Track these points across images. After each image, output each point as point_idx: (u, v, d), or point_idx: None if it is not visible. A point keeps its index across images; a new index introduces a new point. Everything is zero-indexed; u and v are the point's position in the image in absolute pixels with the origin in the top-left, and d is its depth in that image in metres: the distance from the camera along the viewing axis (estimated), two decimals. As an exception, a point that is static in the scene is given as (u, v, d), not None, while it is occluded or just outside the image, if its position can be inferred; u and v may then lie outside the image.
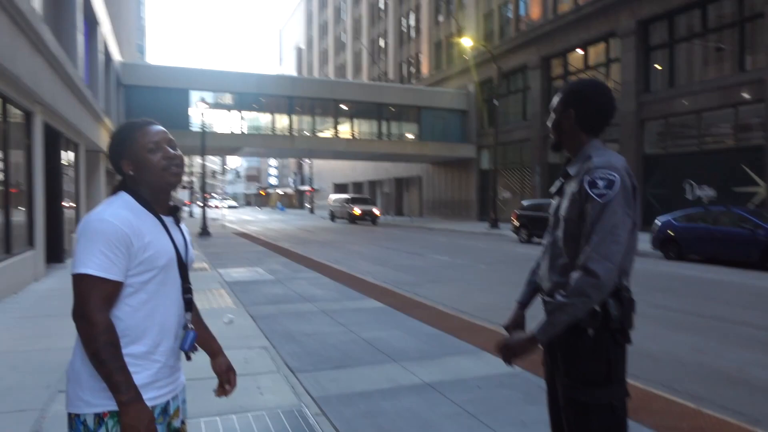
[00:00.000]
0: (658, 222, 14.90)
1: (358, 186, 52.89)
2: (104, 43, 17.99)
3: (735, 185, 18.76)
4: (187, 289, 1.60)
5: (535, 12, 28.23)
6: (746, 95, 18.32)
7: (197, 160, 79.44)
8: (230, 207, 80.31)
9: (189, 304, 1.60)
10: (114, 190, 1.54)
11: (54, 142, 10.70)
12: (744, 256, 12.40)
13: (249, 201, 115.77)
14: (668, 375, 4.77)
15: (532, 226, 19.03)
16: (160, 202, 1.57)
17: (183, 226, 1.69)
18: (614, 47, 23.89)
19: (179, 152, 1.58)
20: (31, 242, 8.89)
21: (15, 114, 8.29)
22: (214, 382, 1.82)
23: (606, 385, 1.85)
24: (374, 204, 35.92)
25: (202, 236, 20.03)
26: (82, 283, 1.38)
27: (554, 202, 2.09)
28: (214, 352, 1.83)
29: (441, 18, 38.03)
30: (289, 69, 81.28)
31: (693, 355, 5.40)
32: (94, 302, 1.38)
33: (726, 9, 19.64)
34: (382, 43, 48.32)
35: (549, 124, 2.09)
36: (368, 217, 32.81)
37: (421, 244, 18.42)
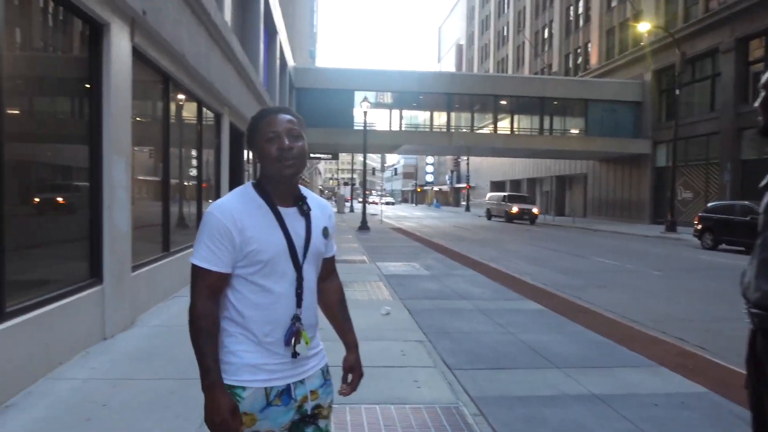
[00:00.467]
0: None
1: (516, 184, 51.42)
2: (280, 50, 19.70)
3: None
4: (299, 284, 1.57)
5: (730, -13, 24.83)
6: None
7: (359, 158, 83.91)
8: (387, 203, 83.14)
9: (299, 299, 1.57)
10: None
11: (237, 140, 11.95)
12: None
13: (405, 198, 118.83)
14: None
15: (719, 231, 16.80)
16: (281, 193, 1.57)
17: (317, 214, 1.64)
18: (835, 22, 20.07)
19: (299, 144, 1.54)
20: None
21: (208, 116, 9.41)
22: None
23: None
24: (533, 203, 34.60)
25: (362, 230, 20.99)
26: (192, 271, 1.50)
27: (766, 198, 1.75)
28: (347, 346, 1.80)
29: (614, 3, 35.25)
30: (448, 66, 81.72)
31: None
32: (198, 290, 1.48)
33: None
34: (546, 34, 46.29)
35: (757, 104, 1.74)
36: (526, 216, 31.69)
37: (585, 246, 17.29)
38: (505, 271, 10.64)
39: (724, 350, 5.52)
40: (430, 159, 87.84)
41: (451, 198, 79.86)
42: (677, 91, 24.28)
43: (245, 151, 12.97)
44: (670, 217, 23.29)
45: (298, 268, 1.56)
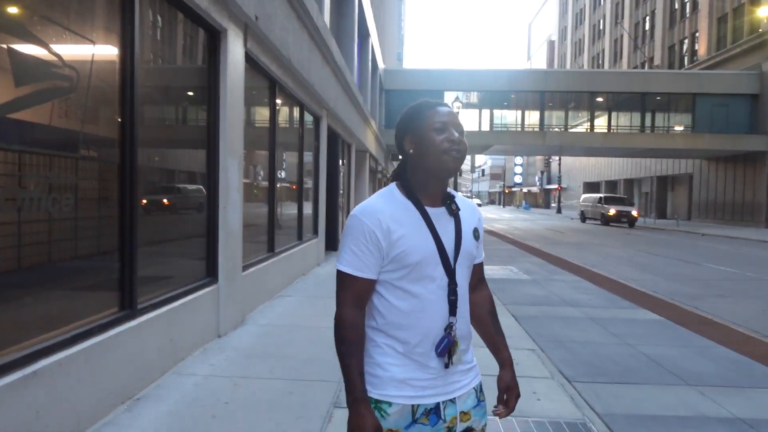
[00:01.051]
0: None
1: (611, 185, 48.81)
2: (372, 52, 19.90)
3: None
4: (452, 290, 1.44)
5: None
6: None
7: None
8: (479, 205, 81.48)
9: (453, 306, 1.43)
10: (393, 178, 1.54)
11: (333, 143, 12.15)
12: None
13: (493, 199, 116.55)
14: None
15: None
16: (431, 191, 1.46)
17: (466, 215, 1.53)
18: None
19: (464, 139, 1.47)
20: (315, 231, 10.23)
21: (308, 119, 9.61)
22: (487, 380, 1.66)
23: None
24: (632, 204, 32.59)
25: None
26: (338, 278, 1.45)
27: None
28: (501, 362, 1.63)
29: (726, -12, 32.50)
30: (539, 63, 79.28)
31: None
32: (343, 298, 1.43)
33: None
34: (647, 25, 43.57)
35: None
36: (624, 219, 29.90)
37: (694, 251, 15.98)
38: (610, 277, 10.01)
39: None
40: (519, 159, 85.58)
41: (541, 200, 77.29)
42: (803, 82, 21.90)
43: (340, 154, 13.16)
44: (794, 221, 21.06)
45: (450, 272, 1.44)
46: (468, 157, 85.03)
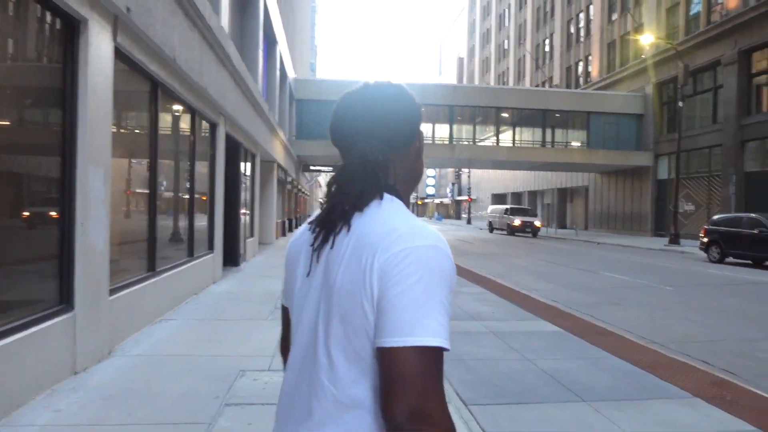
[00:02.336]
0: None
1: (517, 196, 51.06)
2: (280, 60, 19.36)
3: None
4: None
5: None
6: None
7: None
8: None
9: None
10: (371, 191, 0.98)
11: (234, 152, 11.52)
12: None
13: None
14: None
15: (726, 244, 16.37)
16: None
17: None
18: (841, 32, 19.82)
19: None
20: (211, 246, 9.55)
21: (203, 126, 8.97)
22: None
23: None
24: (535, 215, 34.16)
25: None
26: (429, 360, 0.84)
27: None
28: None
29: (615, 16, 35.15)
30: (450, 79, 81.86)
31: None
32: (441, 390, 0.85)
33: None
34: (547, 47, 46.25)
35: None
36: (529, 229, 31.25)
37: (591, 260, 16.81)
38: (514, 288, 10.15)
39: (758, 377, 5.06)
40: (431, 171, 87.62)
41: (453, 210, 79.47)
42: (680, 104, 23.99)
43: (242, 163, 12.52)
44: (674, 230, 22.88)
45: None
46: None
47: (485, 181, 58.01)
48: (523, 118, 32.26)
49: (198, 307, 7.26)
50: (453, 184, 73.85)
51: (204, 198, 9.29)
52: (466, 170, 59.06)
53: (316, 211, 1.05)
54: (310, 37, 48.15)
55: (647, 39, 26.20)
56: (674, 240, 22.52)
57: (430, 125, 31.74)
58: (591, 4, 38.05)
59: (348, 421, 0.90)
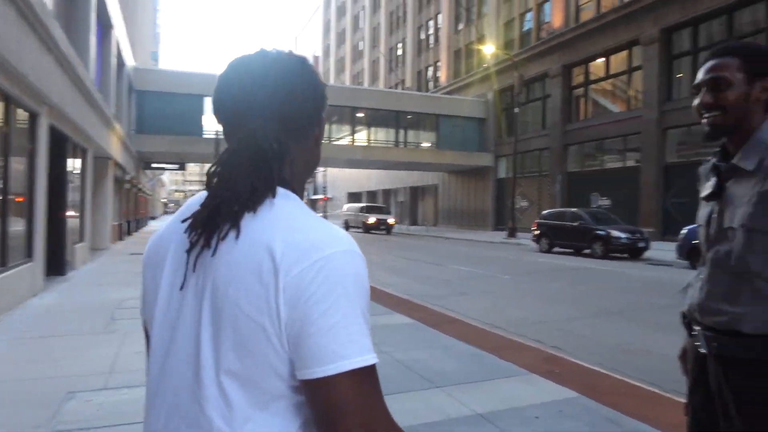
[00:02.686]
0: (684, 231, 14.29)
1: (372, 195, 52.52)
2: (117, 46, 17.78)
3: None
4: None
5: (557, 20, 27.80)
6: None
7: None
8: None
9: None
10: (265, 187, 0.80)
11: (60, 147, 10.34)
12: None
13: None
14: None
15: (553, 236, 18.49)
16: None
17: None
18: (636, 55, 23.36)
19: None
20: (29, 254, 8.38)
21: (20, 116, 7.91)
22: None
23: None
24: (389, 213, 35.46)
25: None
26: (366, 377, 0.74)
27: (706, 208, 1.61)
28: None
29: (461, 26, 37.73)
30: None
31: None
32: (383, 406, 0.77)
33: (751, 16, 19.07)
34: (400, 51, 48.16)
35: (710, 99, 1.52)
36: (383, 227, 32.36)
37: (440, 254, 17.92)
38: (370, 284, 10.46)
39: (579, 350, 5.82)
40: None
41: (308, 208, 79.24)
42: (516, 110, 26.53)
43: (71, 160, 11.28)
44: (511, 224, 25.26)
45: None
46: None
47: (341, 179, 58.83)
48: (377, 118, 33.28)
49: (13, 324, 6.39)
50: (308, 182, 73.83)
51: (20, 199, 8.15)
52: (322, 169, 59.38)
53: (188, 208, 0.85)
54: (152, 22, 44.85)
55: (488, 49, 28.58)
56: (512, 233, 24.86)
57: (286, 122, 31.37)
58: (439, 13, 40.43)
59: None
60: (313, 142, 0.92)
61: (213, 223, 0.77)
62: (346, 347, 0.72)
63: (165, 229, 0.88)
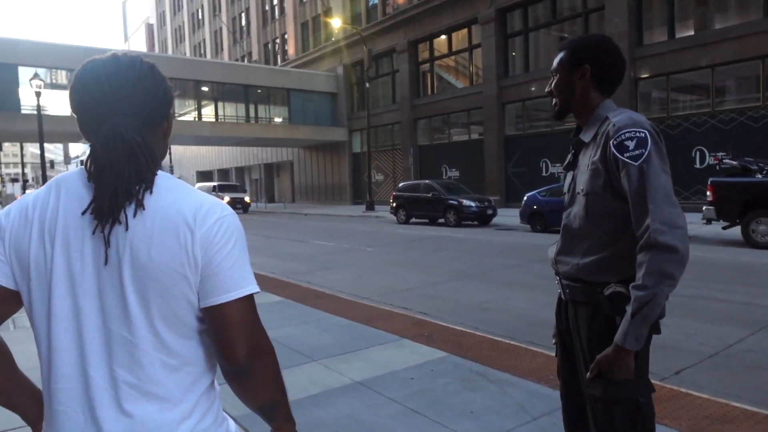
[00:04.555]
0: (525, 198, 15.81)
1: (224, 173, 50.29)
2: None
3: (586, 163, 20.58)
4: None
5: (401, -5, 28.51)
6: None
7: (30, 148, 70.22)
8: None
9: None
10: (148, 171, 1.01)
11: None
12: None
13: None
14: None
15: (409, 207, 19.30)
16: None
17: None
18: (476, 33, 24.93)
19: None
20: None
21: None
22: None
23: (630, 380, 1.58)
24: (244, 191, 34.28)
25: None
26: (251, 302, 1.04)
27: (567, 178, 1.84)
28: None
29: (306, -2, 37.07)
30: (138, 46, 74.64)
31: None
32: (263, 328, 1.09)
33: (573, 1, 21.34)
34: (243, 21, 46.03)
35: (551, 88, 1.80)
36: (239, 206, 31.17)
37: (301, 231, 17.81)
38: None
39: (443, 312, 6.20)
40: (123, 149, 79.17)
41: (152, 191, 73.71)
42: (367, 85, 26.95)
43: None
44: (369, 198, 25.88)
45: None
46: (60, 146, 73.87)
47: (187, 158, 55.42)
48: (224, 92, 31.69)
49: None
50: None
51: None
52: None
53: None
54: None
55: (336, 23, 28.50)
56: (370, 206, 25.47)
57: (121, 97, 28.51)
58: (284, -17, 39.29)
59: (178, 379, 1.02)
60: (162, 133, 1.10)
61: (116, 205, 0.95)
62: (242, 280, 1.02)
63: (31, 206, 1.01)
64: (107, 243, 0.96)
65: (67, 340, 0.99)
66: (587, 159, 1.69)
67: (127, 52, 1.09)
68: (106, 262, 0.96)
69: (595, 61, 1.70)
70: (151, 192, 0.98)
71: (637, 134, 1.54)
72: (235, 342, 1.00)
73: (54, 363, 0.99)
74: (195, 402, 1.04)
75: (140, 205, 0.96)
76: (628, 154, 1.53)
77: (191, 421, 1.02)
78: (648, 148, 1.52)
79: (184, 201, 1.00)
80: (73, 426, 0.99)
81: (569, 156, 1.83)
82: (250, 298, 1.02)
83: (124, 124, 0.99)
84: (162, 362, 0.99)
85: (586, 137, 1.71)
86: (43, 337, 1.00)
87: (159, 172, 1.02)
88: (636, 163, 1.51)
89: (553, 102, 1.81)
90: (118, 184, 0.96)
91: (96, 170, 0.97)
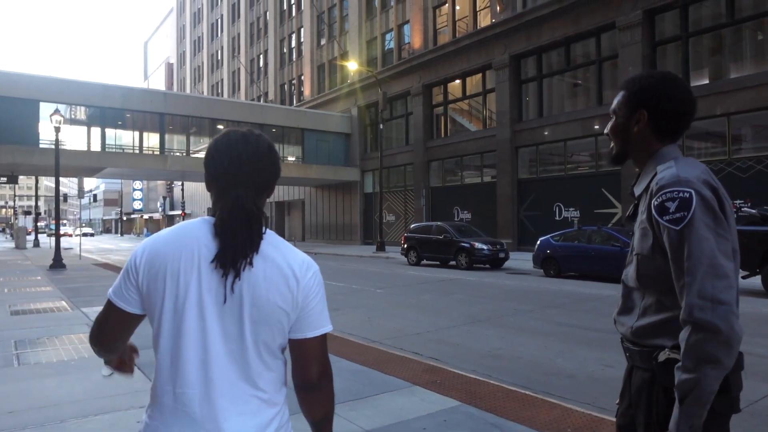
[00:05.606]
0: (538, 243, 15.62)
1: (235, 210, 50.55)
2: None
3: (596, 207, 20.45)
4: None
5: (416, 41, 29.15)
6: (601, 127, 20.19)
7: (45, 182, 71.15)
8: (85, 235, 73.31)
9: None
10: (259, 223, 1.31)
11: None
12: (616, 271, 13.31)
13: (108, 227, 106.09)
14: (589, 393, 4.61)
15: (421, 249, 19.14)
16: None
17: None
18: (490, 78, 25.27)
19: None
20: None
21: None
22: None
23: None
24: (255, 228, 34.36)
25: (55, 269, 17.46)
26: (326, 339, 1.37)
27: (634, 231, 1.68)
28: None
29: (323, 41, 38.00)
30: (158, 84, 76.59)
31: (604, 370, 5.35)
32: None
33: (586, 49, 21.63)
34: (261, 63, 47.19)
35: (608, 131, 1.68)
36: (249, 243, 31.28)
37: (311, 270, 17.63)
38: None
39: (455, 359, 5.99)
40: (138, 184, 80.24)
41: (164, 226, 74.17)
42: (381, 126, 27.26)
43: None
44: (380, 238, 25.76)
45: None
46: (74, 180, 75.01)
47: (200, 194, 55.91)
48: (240, 131, 32.16)
49: None
50: (164, 197, 69.13)
51: None
52: (179, 183, 55.98)
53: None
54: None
55: (352, 66, 29.11)
56: (380, 247, 25.33)
57: (137, 133, 29.03)
58: (302, 27, 40.41)
59: (272, 387, 1.33)
60: (268, 195, 1.39)
61: (242, 252, 1.26)
62: (323, 322, 1.35)
63: (164, 245, 1.30)
64: (231, 288, 1.26)
65: (194, 355, 1.25)
66: (639, 215, 1.58)
67: (252, 130, 1.38)
68: (225, 301, 1.25)
69: (654, 106, 1.56)
70: (257, 252, 1.27)
71: (680, 194, 1.39)
72: (310, 366, 1.34)
73: (180, 371, 1.26)
74: (282, 402, 1.36)
75: (250, 263, 1.26)
76: (667, 217, 1.40)
77: (281, 415, 1.35)
78: (691, 211, 1.37)
79: (292, 257, 1.32)
80: (195, 422, 1.25)
81: (631, 207, 1.69)
82: (326, 335, 1.36)
83: (246, 194, 1.29)
84: (263, 374, 1.30)
85: (638, 189, 1.60)
86: (169, 350, 1.27)
87: (267, 231, 1.32)
88: (677, 227, 1.38)
89: (611, 145, 1.69)
90: (238, 246, 1.25)
91: (222, 230, 1.26)
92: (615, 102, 1.66)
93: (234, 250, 1.24)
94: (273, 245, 1.31)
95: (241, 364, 1.27)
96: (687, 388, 1.32)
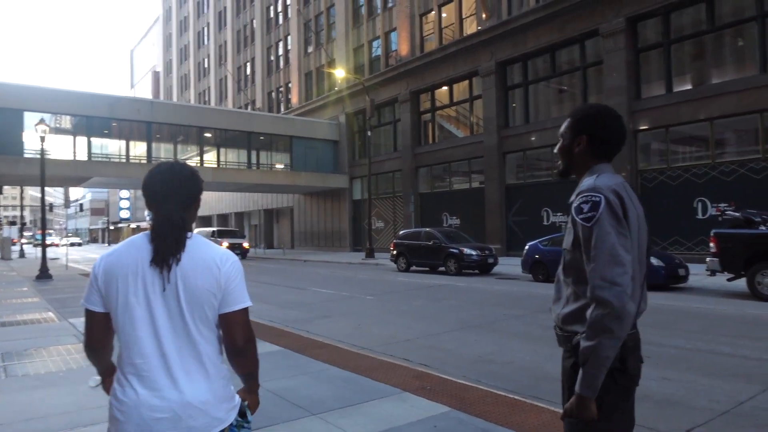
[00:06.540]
0: (526, 247, 15.71)
1: (223, 218, 50.36)
2: None
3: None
4: None
5: (403, 48, 29.29)
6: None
7: (30, 191, 70.39)
8: (72, 244, 72.50)
9: None
10: (184, 230, 1.70)
11: None
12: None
13: (95, 237, 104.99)
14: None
15: (410, 255, 19.17)
16: None
17: None
18: (476, 85, 25.45)
19: None
20: None
21: None
22: None
23: (599, 427, 1.71)
24: (243, 237, 34.21)
25: (42, 279, 17.25)
26: (247, 311, 1.73)
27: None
28: None
29: (310, 49, 38.05)
30: (144, 93, 76.14)
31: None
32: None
33: (571, 55, 21.88)
34: (248, 70, 47.11)
35: (556, 151, 2.01)
36: (238, 251, 31.00)
37: (300, 278, 17.62)
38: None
39: (445, 364, 6.02)
40: (125, 193, 79.64)
41: (152, 235, 73.50)
42: (369, 133, 27.31)
43: None
44: (369, 245, 25.76)
45: None
46: (60, 190, 74.23)
47: (189, 202, 55.55)
48: (227, 139, 32.08)
49: None
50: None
51: None
52: (169, 191, 55.54)
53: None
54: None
55: (340, 73, 29.15)
56: (370, 254, 25.31)
57: (123, 142, 28.79)
58: (289, 35, 40.42)
59: (212, 352, 1.70)
60: (194, 209, 1.78)
61: (166, 260, 1.64)
62: (243, 298, 1.70)
63: (115, 258, 1.68)
64: (167, 279, 1.63)
65: (146, 333, 1.62)
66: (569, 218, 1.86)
67: (178, 161, 1.82)
68: (164, 290, 1.63)
69: (592, 133, 1.87)
70: (184, 251, 1.66)
71: (593, 198, 1.71)
72: (237, 334, 1.69)
73: (136, 346, 1.62)
74: (221, 363, 1.72)
75: (179, 260, 1.64)
76: (582, 216, 1.72)
77: (225, 372, 1.72)
78: (599, 212, 1.67)
79: (214, 252, 1.70)
80: (155, 384, 1.60)
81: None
82: (247, 308, 1.71)
83: (173, 209, 1.68)
84: (204, 343, 1.67)
85: (572, 197, 1.85)
86: (127, 332, 1.63)
87: (192, 234, 1.71)
88: (588, 224, 1.69)
89: (557, 162, 2.01)
90: (166, 248, 1.63)
91: (155, 237, 1.64)
92: (562, 127, 1.97)
93: (165, 251, 1.61)
94: (198, 244, 1.69)
95: (184, 337, 1.63)
96: (587, 354, 1.62)
